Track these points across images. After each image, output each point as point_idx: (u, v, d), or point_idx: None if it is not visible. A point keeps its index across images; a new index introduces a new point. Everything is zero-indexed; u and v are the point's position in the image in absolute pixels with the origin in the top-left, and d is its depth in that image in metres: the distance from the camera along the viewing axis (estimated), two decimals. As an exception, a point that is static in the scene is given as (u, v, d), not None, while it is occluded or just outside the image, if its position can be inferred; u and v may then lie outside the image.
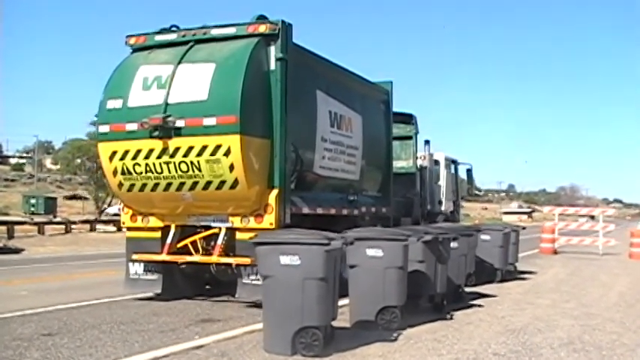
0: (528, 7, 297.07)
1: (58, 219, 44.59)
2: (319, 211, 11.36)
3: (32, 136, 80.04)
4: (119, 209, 11.74)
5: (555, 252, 24.03)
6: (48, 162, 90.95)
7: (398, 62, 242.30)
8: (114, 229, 42.83)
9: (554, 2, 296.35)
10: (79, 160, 55.36)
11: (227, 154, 9.52)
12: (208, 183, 9.81)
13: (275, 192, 9.98)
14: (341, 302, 7.70)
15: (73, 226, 39.59)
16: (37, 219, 41.25)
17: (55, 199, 56.76)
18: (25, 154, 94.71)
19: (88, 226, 41.34)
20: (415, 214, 16.81)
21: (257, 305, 9.16)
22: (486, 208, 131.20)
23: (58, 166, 73.65)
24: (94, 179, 53.26)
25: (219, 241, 10.18)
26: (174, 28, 10.85)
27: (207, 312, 9.77)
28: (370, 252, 8.19)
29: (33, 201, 52.41)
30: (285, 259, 6.77)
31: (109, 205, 54.98)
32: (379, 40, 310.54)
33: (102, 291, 11.95)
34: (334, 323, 7.42)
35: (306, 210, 10.87)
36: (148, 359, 6.74)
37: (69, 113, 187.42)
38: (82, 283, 14.20)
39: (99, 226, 42.50)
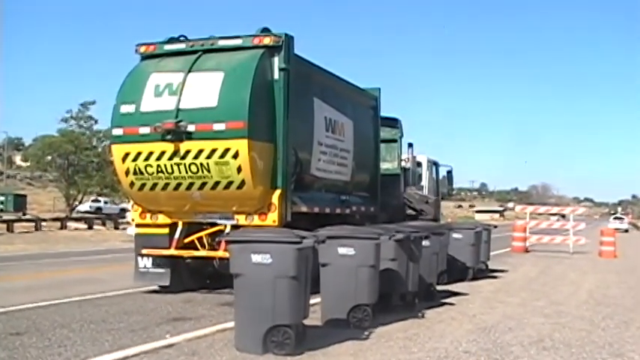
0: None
1: (27, 216, 44.12)
2: (315, 210, 11.99)
3: (1, 133, 79.02)
4: (130, 207, 12.32)
5: (527, 250, 24.28)
6: (18, 159, 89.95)
7: (379, 71, 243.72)
8: (85, 226, 42.58)
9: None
10: (49, 157, 54.81)
11: (235, 156, 10.17)
12: (216, 183, 10.45)
13: (278, 192, 10.63)
14: (313, 300, 7.69)
15: (43, 224, 39.19)
16: (5, 216, 40.79)
17: (24, 196, 56.15)
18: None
19: (58, 223, 40.95)
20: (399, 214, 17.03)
21: (228, 304, 9.13)
22: (461, 206, 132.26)
23: (28, 163, 72.87)
24: (64, 176, 52.76)
25: (225, 237, 10.37)
26: (182, 38, 11.51)
27: (179, 310, 9.71)
28: (342, 250, 8.19)
29: (2, 198, 51.79)
30: (256, 258, 6.74)
31: (80, 203, 54.56)
32: (367, 44, 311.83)
33: (72, 289, 11.87)
34: (306, 322, 7.39)
35: (304, 209, 11.50)
36: (118, 358, 6.67)
37: (39, 110, 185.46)
38: (52, 281, 14.04)
39: (70, 224, 42.13)
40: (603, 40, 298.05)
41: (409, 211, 17.76)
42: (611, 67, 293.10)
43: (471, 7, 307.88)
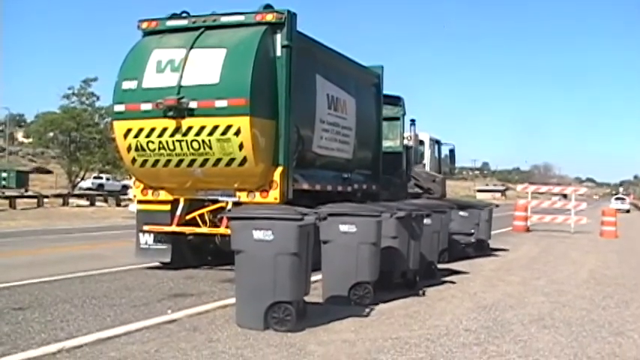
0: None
1: (29, 193, 44.17)
2: (317, 187, 12.02)
3: (3, 109, 78.96)
4: (131, 184, 12.57)
5: (528, 230, 24.28)
6: (20, 135, 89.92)
7: (382, 51, 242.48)
8: (87, 203, 42.66)
9: None
10: (51, 134, 54.76)
11: (237, 133, 10.16)
12: (218, 160, 10.47)
13: (280, 169, 10.65)
14: (314, 277, 7.71)
15: (45, 200, 39.22)
16: (8, 193, 40.83)
17: (27, 172, 56.17)
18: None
19: (60, 200, 40.99)
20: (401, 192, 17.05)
21: (230, 280, 9.17)
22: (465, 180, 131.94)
23: (30, 140, 72.84)
24: (66, 153, 52.75)
25: (227, 214, 10.40)
26: (184, 14, 11.46)
27: (180, 287, 9.75)
28: (343, 228, 8.19)
29: (4, 174, 51.74)
30: (258, 234, 6.75)
31: (82, 179, 54.60)
32: (371, 25, 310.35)
33: (75, 265, 11.91)
34: (307, 298, 7.43)
35: (305, 186, 11.54)
36: (120, 333, 6.68)
37: (41, 86, 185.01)
38: (54, 257, 14.08)
39: (72, 200, 42.19)
40: (607, 22, 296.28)
41: (416, 189, 17.79)
42: (615, 49, 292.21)
43: None
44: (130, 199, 33.83)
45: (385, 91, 15.91)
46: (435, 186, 18.26)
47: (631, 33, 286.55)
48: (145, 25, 11.52)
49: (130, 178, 14.22)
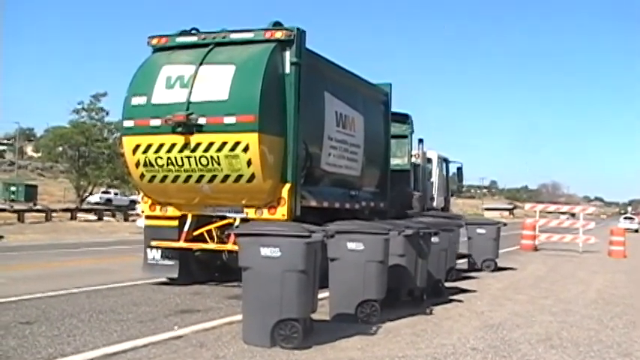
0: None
1: (38, 207, 44.29)
2: (325, 204, 11.99)
3: (13, 123, 79.50)
4: (139, 199, 12.55)
5: (536, 249, 24.19)
6: (29, 149, 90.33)
7: (389, 69, 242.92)
8: (95, 217, 42.74)
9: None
10: (60, 148, 54.99)
11: (245, 150, 10.19)
12: (226, 176, 10.48)
13: (288, 186, 10.65)
14: (321, 295, 7.70)
15: (53, 214, 39.32)
16: (16, 206, 40.97)
17: (35, 186, 56.39)
18: (5, 141, 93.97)
19: (68, 214, 41.10)
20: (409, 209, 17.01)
21: (237, 296, 9.16)
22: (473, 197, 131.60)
23: (40, 154, 73.12)
24: (75, 167, 52.93)
25: (234, 230, 10.40)
26: (194, 31, 11.51)
27: (187, 302, 9.74)
28: (351, 245, 8.19)
29: (13, 188, 52.05)
30: (265, 251, 6.75)
31: (90, 194, 54.75)
32: (377, 43, 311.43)
33: (82, 280, 11.92)
34: (314, 316, 7.42)
35: (313, 203, 11.52)
36: (126, 349, 6.69)
37: (51, 100, 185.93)
38: (62, 271, 14.12)
39: (80, 215, 42.29)
40: (614, 36, 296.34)
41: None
42: (622, 66, 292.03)
43: (481, 5, 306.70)
44: (137, 214, 33.91)
45: (393, 109, 15.91)
46: (414, 201, 18.06)
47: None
48: (154, 41, 11.59)
49: (138, 193, 14.26)
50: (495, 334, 7.98)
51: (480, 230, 15.96)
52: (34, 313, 8.51)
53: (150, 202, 11.45)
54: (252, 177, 10.34)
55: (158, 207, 11.39)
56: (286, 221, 10.25)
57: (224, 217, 11.07)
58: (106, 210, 47.90)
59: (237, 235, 7.22)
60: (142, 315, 8.63)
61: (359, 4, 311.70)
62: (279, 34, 10.74)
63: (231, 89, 10.37)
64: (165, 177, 10.85)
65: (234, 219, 10.84)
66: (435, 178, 20.17)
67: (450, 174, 22.34)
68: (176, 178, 10.78)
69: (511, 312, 9.68)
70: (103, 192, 59.88)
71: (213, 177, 10.55)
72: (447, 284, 11.40)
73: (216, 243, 11.11)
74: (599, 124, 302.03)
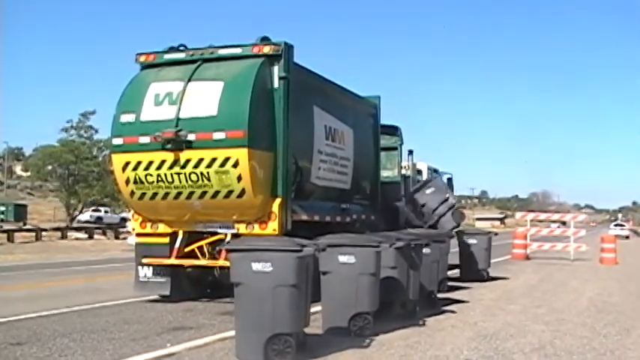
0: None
1: (28, 226, 44.11)
2: (316, 218, 11.98)
3: (2, 143, 79.22)
4: (131, 216, 12.38)
5: (527, 258, 24.25)
6: (18, 169, 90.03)
7: (378, 80, 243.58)
8: (85, 236, 42.56)
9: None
10: (50, 167, 54.80)
11: (235, 165, 10.20)
12: (217, 192, 10.47)
13: (278, 201, 10.65)
14: (313, 309, 7.69)
15: (43, 234, 39.15)
16: (6, 226, 40.79)
17: (25, 206, 56.12)
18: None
19: (59, 233, 40.92)
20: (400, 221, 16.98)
21: (229, 313, 9.12)
22: (464, 208, 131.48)
23: (29, 173, 72.87)
24: (65, 186, 52.73)
25: (225, 246, 10.39)
26: (182, 48, 11.52)
27: (179, 320, 9.70)
28: (343, 258, 8.19)
29: (2, 208, 51.78)
30: (257, 266, 6.74)
31: (81, 212, 54.53)
32: (366, 52, 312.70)
33: (73, 299, 11.85)
34: (307, 330, 7.40)
35: (304, 217, 11.51)
36: (119, 368, 6.66)
37: (39, 120, 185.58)
38: (53, 291, 14.02)
39: (70, 233, 42.10)
40: (602, 52, 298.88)
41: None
42: (610, 77, 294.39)
43: (473, 10, 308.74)
44: (128, 232, 33.77)
45: (383, 121, 15.91)
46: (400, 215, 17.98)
47: (631, 61, 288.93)
48: (142, 58, 11.61)
49: (129, 210, 14.22)
50: (489, 344, 7.97)
51: (471, 240, 15.98)
52: (24, 334, 8.45)
53: (140, 219, 11.41)
54: (242, 192, 10.34)
55: (149, 224, 11.35)
56: (277, 236, 10.25)
57: (215, 233, 11.04)
58: (97, 228, 47.71)
59: (228, 251, 7.22)
60: (134, 333, 8.58)
61: (347, 8, 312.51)
62: (266, 49, 10.76)
63: (220, 105, 10.38)
64: (155, 194, 10.83)
65: (226, 235, 10.81)
66: None
67: None
68: (166, 194, 10.76)
69: (504, 322, 9.68)
70: (94, 210, 59.64)
71: (204, 193, 10.53)
72: (440, 295, 11.40)
73: (208, 259, 11.07)
74: (589, 133, 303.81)
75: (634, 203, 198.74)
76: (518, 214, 34.10)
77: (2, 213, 50.76)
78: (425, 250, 10.05)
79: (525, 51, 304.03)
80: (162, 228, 11.30)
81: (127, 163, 10.85)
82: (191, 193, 10.61)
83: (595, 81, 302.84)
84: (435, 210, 17.21)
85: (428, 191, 17.58)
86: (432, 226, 16.75)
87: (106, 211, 60.90)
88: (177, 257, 11.12)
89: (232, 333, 7.36)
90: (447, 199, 17.44)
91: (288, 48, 10.87)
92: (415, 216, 17.10)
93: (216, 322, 9.46)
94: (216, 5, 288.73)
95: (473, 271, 15.59)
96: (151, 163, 10.66)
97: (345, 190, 13.53)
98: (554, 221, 54.08)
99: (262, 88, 10.61)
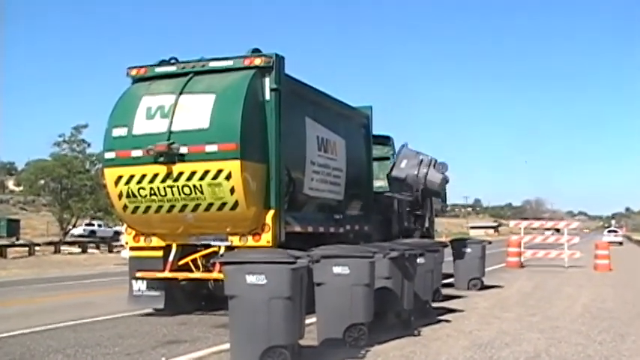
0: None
1: (21, 241, 43.90)
2: (309, 229, 12.02)
3: (-5, 158, 78.87)
4: (124, 230, 12.29)
5: (521, 265, 24.25)
6: (10, 183, 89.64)
7: (371, 89, 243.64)
8: (79, 250, 42.40)
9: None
10: (42, 181, 54.56)
11: (228, 178, 10.22)
12: (210, 205, 10.49)
13: (271, 212, 10.67)
14: (308, 320, 7.67)
15: (36, 249, 38.98)
16: (-1, 242, 40.53)
17: (18, 220, 55.74)
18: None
19: (52, 248, 40.75)
20: (394, 231, 16.97)
21: (224, 325, 9.10)
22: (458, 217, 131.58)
23: (21, 188, 72.55)
24: (58, 200, 52.52)
25: (219, 258, 10.39)
26: (173, 61, 11.64)
27: (174, 333, 9.67)
28: (337, 269, 8.18)
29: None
30: (251, 279, 6.74)
31: (74, 227, 54.30)
32: (359, 63, 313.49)
33: (67, 314, 11.80)
34: (302, 342, 7.39)
35: (298, 229, 11.54)
36: (113, 383, 6.63)
37: (32, 134, 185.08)
38: (46, 306, 13.96)
39: (63, 248, 41.94)
40: (596, 61, 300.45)
41: None
42: (604, 84, 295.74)
43: (471, 17, 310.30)
44: (122, 246, 33.65)
45: (375, 130, 15.94)
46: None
47: (625, 69, 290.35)
48: (134, 72, 11.64)
49: (122, 224, 14.19)
50: (484, 353, 7.97)
51: (465, 249, 15.98)
52: (18, 351, 8.41)
53: (134, 233, 11.40)
54: (235, 204, 10.34)
55: (142, 238, 11.34)
56: (271, 248, 10.25)
57: (209, 246, 11.04)
58: (90, 242, 47.55)
59: (222, 264, 7.23)
60: (128, 347, 8.55)
61: (340, 14, 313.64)
62: (258, 61, 10.81)
63: (212, 117, 10.40)
64: (148, 207, 10.83)
65: (219, 247, 10.80)
66: None
67: None
68: (159, 208, 10.77)
69: (499, 330, 9.68)
70: (87, 224, 59.41)
71: (197, 206, 10.54)
72: (434, 304, 11.40)
73: (202, 272, 11.06)
74: (582, 140, 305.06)
75: (627, 209, 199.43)
76: (512, 222, 34.20)
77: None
78: (419, 260, 10.05)
79: (520, 59, 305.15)
80: (155, 241, 11.28)
81: (120, 177, 10.85)
82: (184, 206, 10.61)
83: (592, 87, 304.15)
84: (418, 174, 17.21)
85: (402, 165, 17.32)
86: (422, 197, 17.11)
87: (99, 225, 60.67)
88: (171, 270, 11.10)
89: (227, 346, 7.35)
90: (421, 161, 17.38)
91: (279, 60, 10.91)
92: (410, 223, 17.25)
93: (211, 334, 9.44)
94: (208, 17, 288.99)
95: (467, 279, 15.59)
96: (143, 176, 10.67)
97: (338, 201, 13.54)
98: (548, 229, 54.18)
99: (254, 100, 10.64)
